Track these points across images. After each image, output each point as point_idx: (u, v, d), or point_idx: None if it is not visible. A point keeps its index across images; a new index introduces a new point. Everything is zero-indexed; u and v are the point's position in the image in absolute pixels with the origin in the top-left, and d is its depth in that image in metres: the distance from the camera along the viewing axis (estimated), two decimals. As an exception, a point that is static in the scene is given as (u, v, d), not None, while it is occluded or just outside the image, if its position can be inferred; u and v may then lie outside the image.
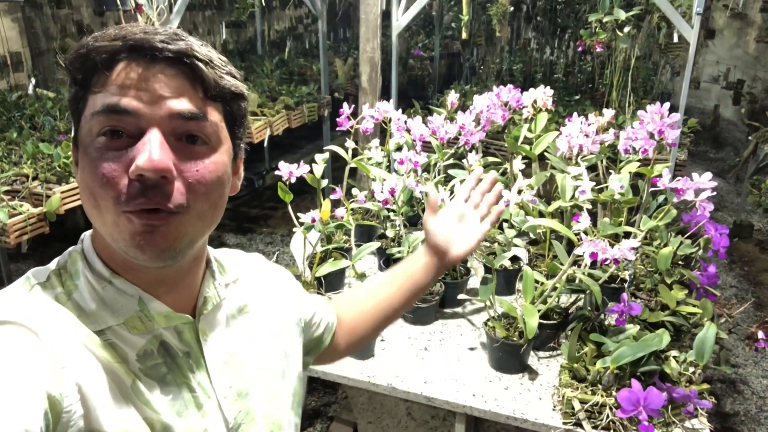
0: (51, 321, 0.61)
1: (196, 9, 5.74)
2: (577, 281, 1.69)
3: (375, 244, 1.83)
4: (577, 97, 3.43)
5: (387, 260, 2.00)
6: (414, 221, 2.42)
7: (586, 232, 1.51)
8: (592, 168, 2.16)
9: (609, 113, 2.44)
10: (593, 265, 1.61)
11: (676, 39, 2.85)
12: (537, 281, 1.66)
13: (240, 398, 0.75)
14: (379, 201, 1.81)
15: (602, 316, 1.66)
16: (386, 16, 3.32)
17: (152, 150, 0.59)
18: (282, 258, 3.89)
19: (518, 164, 2.36)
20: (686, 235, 1.95)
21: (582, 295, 1.75)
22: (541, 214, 2.11)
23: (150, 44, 0.61)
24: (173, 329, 0.70)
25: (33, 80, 3.01)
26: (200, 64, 0.64)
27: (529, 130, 2.28)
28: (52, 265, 0.69)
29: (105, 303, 0.66)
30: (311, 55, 5.65)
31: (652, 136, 1.90)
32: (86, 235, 0.71)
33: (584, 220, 1.47)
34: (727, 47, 6.28)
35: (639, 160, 2.25)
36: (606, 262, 1.45)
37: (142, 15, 1.77)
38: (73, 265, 0.68)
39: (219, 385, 0.73)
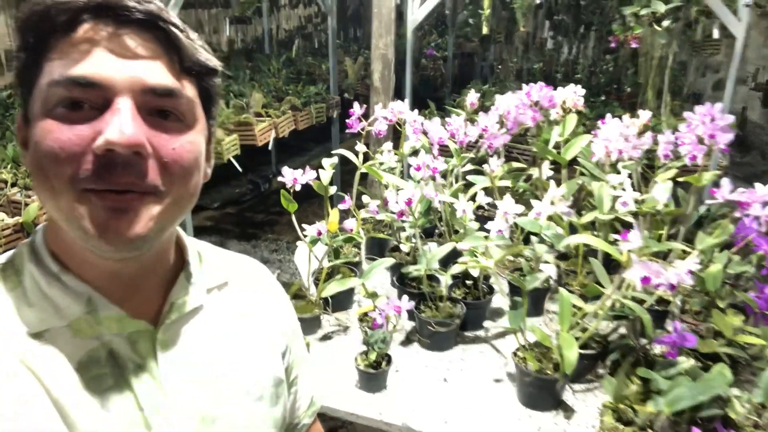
0: None
1: (201, 6, 5.57)
2: (619, 305, 1.47)
3: (388, 261, 1.63)
4: (602, 98, 3.21)
5: (401, 278, 1.80)
6: (430, 232, 2.21)
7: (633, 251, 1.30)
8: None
9: (645, 115, 2.22)
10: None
11: (716, 35, 2.63)
12: (574, 306, 1.45)
13: (204, 424, 0.63)
14: (393, 212, 1.60)
15: (648, 345, 1.45)
16: (398, 15, 3.14)
17: (123, 121, 0.52)
18: (288, 267, 3.69)
19: (546, 170, 2.15)
20: (733, 251, 1.74)
21: (623, 321, 1.54)
22: (572, 228, 1.89)
23: (118, 3, 0.53)
24: (126, 337, 0.61)
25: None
26: (175, 30, 0.56)
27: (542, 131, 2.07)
28: (1, 259, 0.62)
29: (49, 302, 0.58)
30: (320, 54, 5.46)
31: (701, 140, 1.69)
32: (40, 227, 0.64)
33: (635, 239, 1.26)
34: (755, 47, 6.03)
35: (680, 167, 2.04)
36: (659, 287, 1.24)
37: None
38: (19, 259, 0.61)
39: (176, 406, 0.62)
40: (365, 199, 2.22)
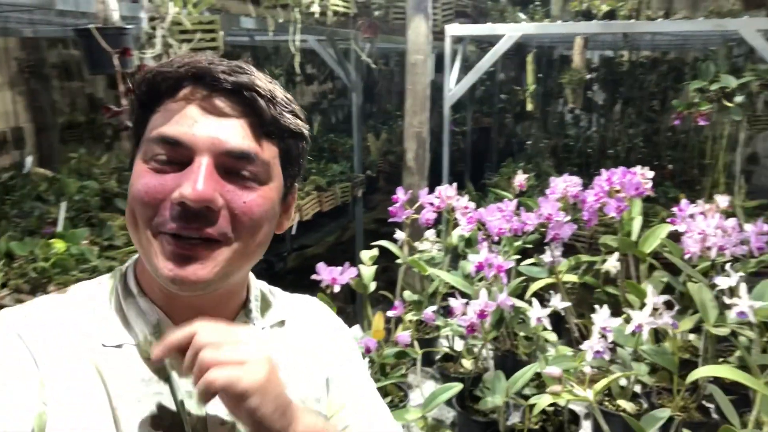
0: (52, 326, 0.63)
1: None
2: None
3: (455, 387, 1.32)
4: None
5: (462, 401, 1.48)
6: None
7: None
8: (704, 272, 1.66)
9: (723, 200, 1.97)
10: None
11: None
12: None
13: None
14: (461, 326, 1.31)
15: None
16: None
17: (198, 179, 0.59)
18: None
19: (614, 263, 1.87)
20: None
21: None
22: (657, 337, 1.59)
23: (211, 74, 0.62)
24: (182, 362, 0.60)
25: (29, 158, 2.62)
26: (259, 99, 0.63)
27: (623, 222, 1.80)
28: (103, 277, 0.71)
29: (124, 319, 0.66)
30: (339, 131, 5.32)
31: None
32: (137, 254, 0.70)
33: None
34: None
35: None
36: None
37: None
38: (113, 279, 0.70)
39: None
40: (407, 294, 1.94)
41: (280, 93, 0.66)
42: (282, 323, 0.78)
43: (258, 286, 0.77)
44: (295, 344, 0.77)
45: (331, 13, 2.56)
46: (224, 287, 0.66)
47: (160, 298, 0.67)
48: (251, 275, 0.76)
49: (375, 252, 1.84)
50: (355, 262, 1.75)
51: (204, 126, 0.61)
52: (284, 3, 2.23)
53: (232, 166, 0.62)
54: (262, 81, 0.64)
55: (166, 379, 0.64)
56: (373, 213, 4.22)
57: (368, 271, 1.74)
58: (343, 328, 0.87)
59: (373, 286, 1.77)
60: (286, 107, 0.66)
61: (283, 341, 0.76)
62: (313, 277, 1.56)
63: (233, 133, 0.62)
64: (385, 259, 1.92)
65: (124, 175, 2.72)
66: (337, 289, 1.55)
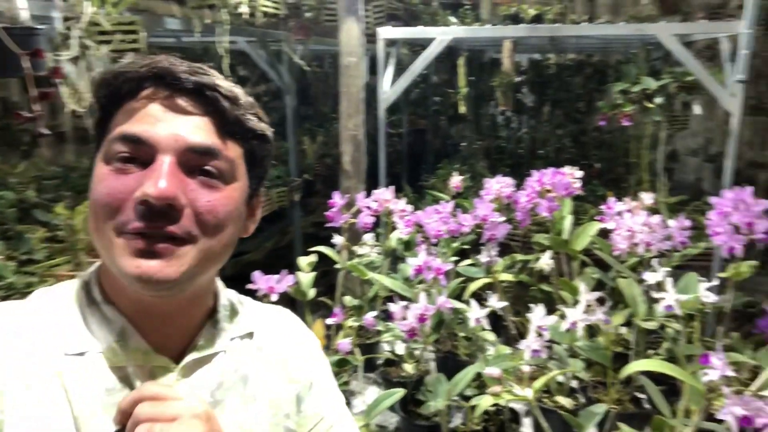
0: (10, 335, 0.62)
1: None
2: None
3: (397, 393, 1.31)
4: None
5: (405, 405, 1.47)
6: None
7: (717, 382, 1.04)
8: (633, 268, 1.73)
9: (647, 197, 2.05)
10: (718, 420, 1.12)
11: (697, 111, 2.55)
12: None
13: None
14: (402, 331, 1.30)
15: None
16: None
17: (161, 177, 0.59)
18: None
19: (547, 261, 1.91)
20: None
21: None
22: (591, 333, 1.64)
23: (173, 74, 0.62)
24: (148, 371, 0.65)
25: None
26: (222, 99, 0.64)
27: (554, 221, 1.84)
28: (62, 284, 0.69)
29: (88, 327, 0.65)
30: (274, 134, 5.22)
31: (737, 229, 1.50)
32: (100, 261, 0.69)
33: (720, 364, 1.00)
34: (699, 120, 6.25)
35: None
36: (765, 431, 0.97)
37: (63, 82, 1.29)
38: (75, 286, 0.68)
39: None
40: (347, 299, 1.92)
41: (242, 95, 0.66)
42: (251, 335, 0.77)
43: (227, 295, 0.77)
44: (264, 357, 0.77)
45: (261, 15, 2.50)
46: (190, 290, 0.66)
47: (126, 305, 0.66)
48: (220, 284, 0.76)
49: (313, 258, 1.81)
50: (294, 267, 1.72)
51: (166, 124, 0.61)
52: (211, 3, 2.15)
53: (195, 164, 0.62)
54: (224, 82, 0.65)
55: (131, 388, 0.64)
56: (311, 217, 4.16)
57: (307, 277, 1.71)
58: (312, 339, 0.86)
59: (312, 293, 1.73)
60: (249, 109, 0.67)
61: (251, 353, 0.76)
62: (249, 286, 1.51)
63: (196, 129, 0.62)
64: (324, 264, 1.89)
65: (45, 185, 2.56)
66: (274, 298, 1.51)
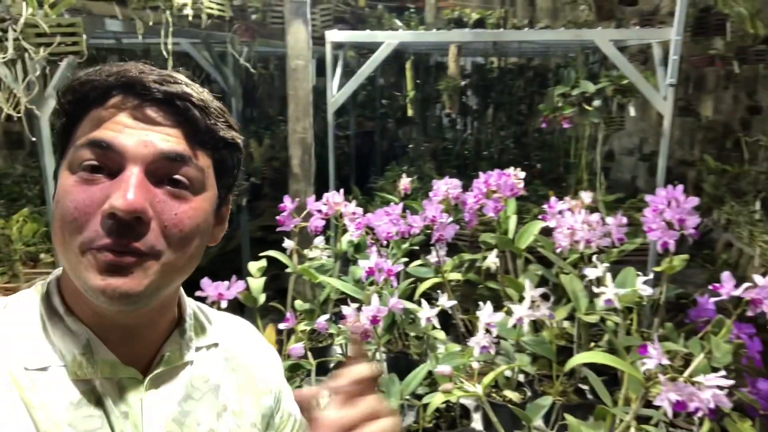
0: None
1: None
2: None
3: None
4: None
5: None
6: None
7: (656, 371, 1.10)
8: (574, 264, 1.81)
9: (586, 196, 2.14)
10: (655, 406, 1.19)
11: (632, 113, 2.67)
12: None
13: None
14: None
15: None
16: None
17: (128, 189, 0.58)
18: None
19: (493, 259, 1.97)
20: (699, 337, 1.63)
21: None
22: (535, 327, 1.70)
23: (142, 83, 0.61)
24: (116, 383, 0.64)
25: None
26: (193, 108, 0.63)
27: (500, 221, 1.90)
28: (18, 294, 0.68)
29: (50, 340, 0.63)
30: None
31: (670, 225, 1.59)
32: (57, 270, 0.69)
33: (656, 353, 1.06)
34: (633, 120, 6.52)
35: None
36: (697, 414, 1.04)
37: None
38: (33, 297, 0.66)
39: None
40: (298, 303, 1.91)
41: (213, 103, 0.65)
42: (216, 345, 0.76)
43: (191, 305, 0.76)
44: (231, 367, 0.76)
45: (206, 16, 2.47)
46: (155, 303, 0.64)
47: (90, 316, 0.64)
48: (183, 293, 0.75)
49: (263, 263, 1.80)
50: (242, 272, 1.70)
51: (135, 132, 0.60)
52: (154, 5, 2.11)
53: (164, 172, 0.61)
54: (195, 91, 0.63)
55: (98, 401, 0.63)
56: (259, 220, 4.13)
57: (257, 283, 1.70)
58: (271, 349, 0.86)
59: (262, 298, 1.73)
60: (220, 117, 0.65)
61: (218, 364, 0.75)
62: (198, 293, 1.49)
63: (165, 138, 0.61)
64: (274, 268, 1.88)
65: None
66: (224, 304, 1.49)
